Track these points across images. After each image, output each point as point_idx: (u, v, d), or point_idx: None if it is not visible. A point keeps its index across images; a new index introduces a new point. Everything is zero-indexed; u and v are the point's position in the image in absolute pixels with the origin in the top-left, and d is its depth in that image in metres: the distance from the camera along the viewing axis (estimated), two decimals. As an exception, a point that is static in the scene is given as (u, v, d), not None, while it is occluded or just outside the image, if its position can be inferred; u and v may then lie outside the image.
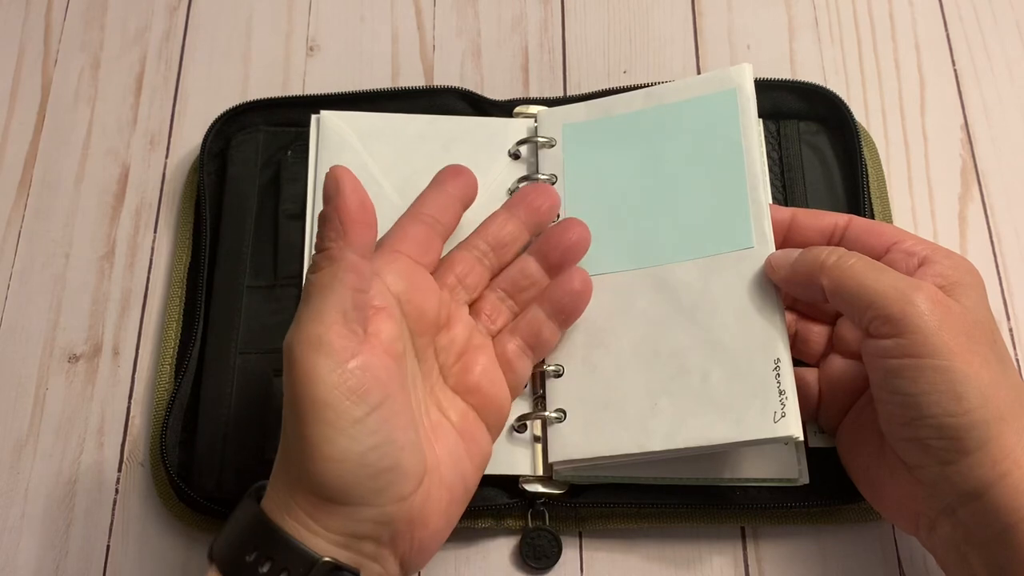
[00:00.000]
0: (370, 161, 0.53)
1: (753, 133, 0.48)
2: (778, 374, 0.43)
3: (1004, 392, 0.39)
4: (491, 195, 0.53)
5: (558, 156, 0.52)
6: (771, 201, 0.53)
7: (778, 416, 0.43)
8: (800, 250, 0.44)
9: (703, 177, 0.49)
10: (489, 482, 0.47)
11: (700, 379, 0.45)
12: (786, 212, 0.48)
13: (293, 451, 0.38)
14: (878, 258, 0.44)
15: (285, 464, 0.38)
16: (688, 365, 0.45)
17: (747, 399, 0.43)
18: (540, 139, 0.53)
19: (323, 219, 0.39)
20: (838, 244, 0.46)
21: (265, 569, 0.37)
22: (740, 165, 0.48)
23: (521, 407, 0.48)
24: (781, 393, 0.43)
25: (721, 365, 0.44)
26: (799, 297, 0.45)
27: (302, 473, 0.37)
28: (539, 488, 0.48)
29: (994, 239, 0.55)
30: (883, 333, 0.40)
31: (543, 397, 0.48)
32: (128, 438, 0.51)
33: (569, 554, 0.48)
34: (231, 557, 0.38)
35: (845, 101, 0.55)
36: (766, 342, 0.44)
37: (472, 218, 0.49)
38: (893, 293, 0.40)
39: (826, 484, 0.47)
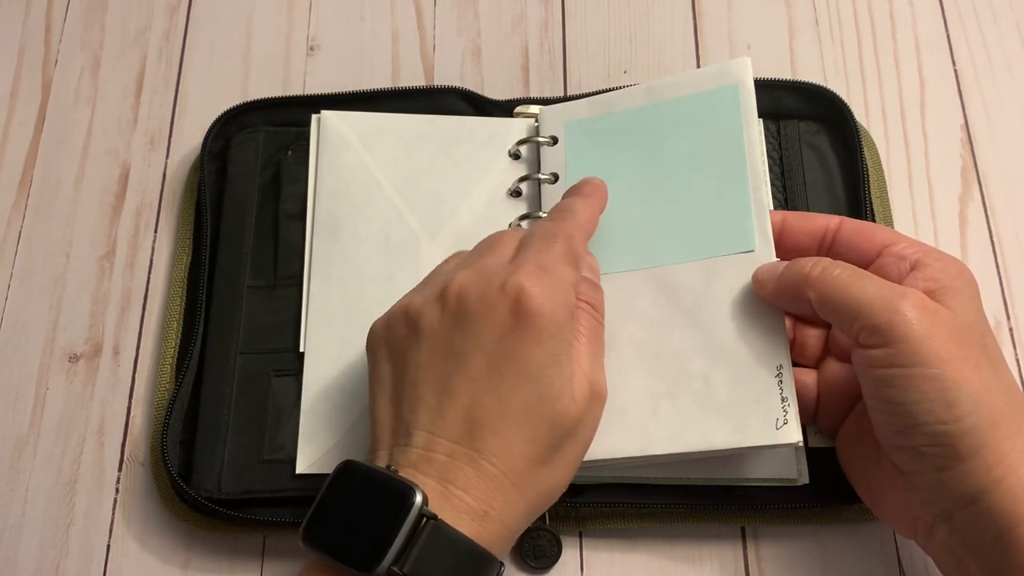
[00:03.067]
0: (370, 161, 0.53)
1: (754, 131, 0.48)
2: (780, 380, 0.43)
3: (996, 396, 0.39)
4: (491, 195, 0.53)
5: (560, 155, 0.52)
6: (771, 201, 0.53)
7: (780, 423, 0.42)
8: (785, 263, 0.44)
9: (705, 176, 0.48)
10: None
11: (702, 383, 0.44)
12: (776, 216, 0.47)
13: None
14: (870, 262, 0.44)
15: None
16: (690, 368, 0.45)
17: (749, 405, 0.43)
18: (542, 138, 0.53)
19: None
20: (829, 247, 0.46)
21: None
22: (742, 165, 0.48)
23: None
24: (783, 400, 0.43)
25: (723, 369, 0.44)
26: (788, 311, 0.45)
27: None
28: (539, 488, 0.48)
29: (994, 239, 0.55)
30: (872, 343, 0.40)
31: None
32: (128, 438, 0.51)
33: (569, 554, 0.48)
34: None
35: (845, 101, 0.55)
36: (769, 348, 0.44)
37: (473, 219, 0.49)
38: (879, 303, 0.40)
39: (826, 484, 0.47)
